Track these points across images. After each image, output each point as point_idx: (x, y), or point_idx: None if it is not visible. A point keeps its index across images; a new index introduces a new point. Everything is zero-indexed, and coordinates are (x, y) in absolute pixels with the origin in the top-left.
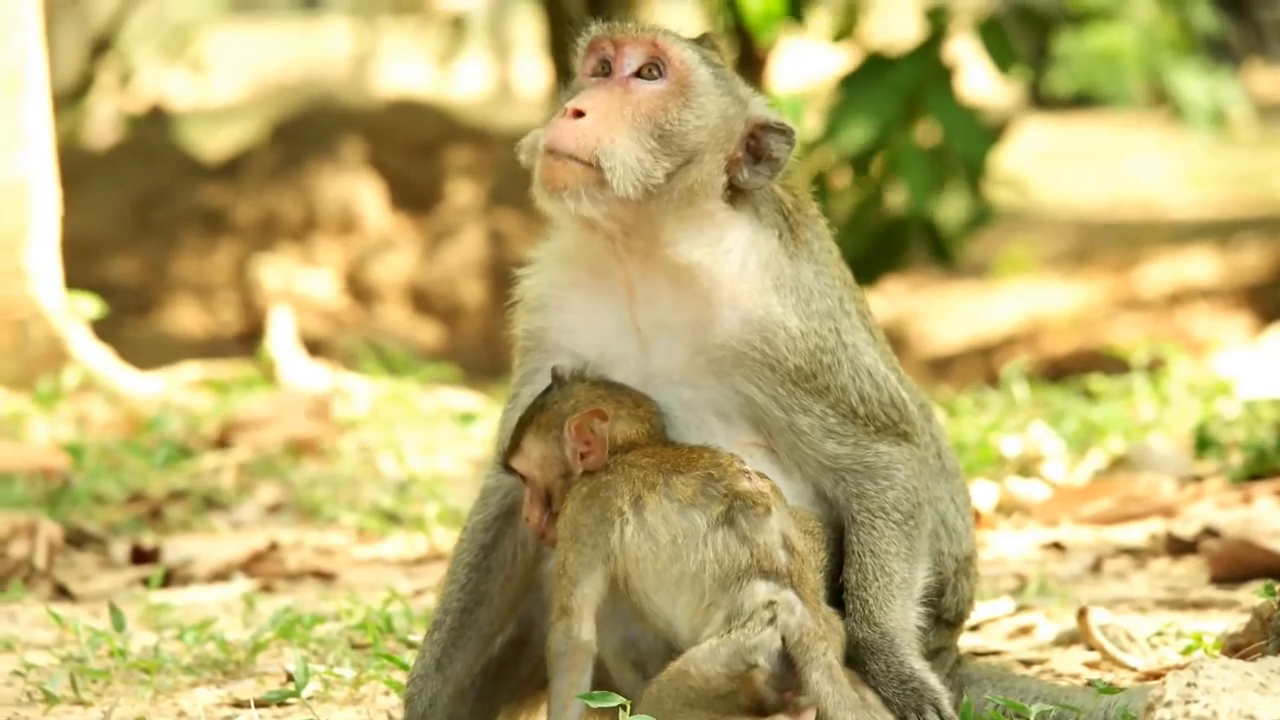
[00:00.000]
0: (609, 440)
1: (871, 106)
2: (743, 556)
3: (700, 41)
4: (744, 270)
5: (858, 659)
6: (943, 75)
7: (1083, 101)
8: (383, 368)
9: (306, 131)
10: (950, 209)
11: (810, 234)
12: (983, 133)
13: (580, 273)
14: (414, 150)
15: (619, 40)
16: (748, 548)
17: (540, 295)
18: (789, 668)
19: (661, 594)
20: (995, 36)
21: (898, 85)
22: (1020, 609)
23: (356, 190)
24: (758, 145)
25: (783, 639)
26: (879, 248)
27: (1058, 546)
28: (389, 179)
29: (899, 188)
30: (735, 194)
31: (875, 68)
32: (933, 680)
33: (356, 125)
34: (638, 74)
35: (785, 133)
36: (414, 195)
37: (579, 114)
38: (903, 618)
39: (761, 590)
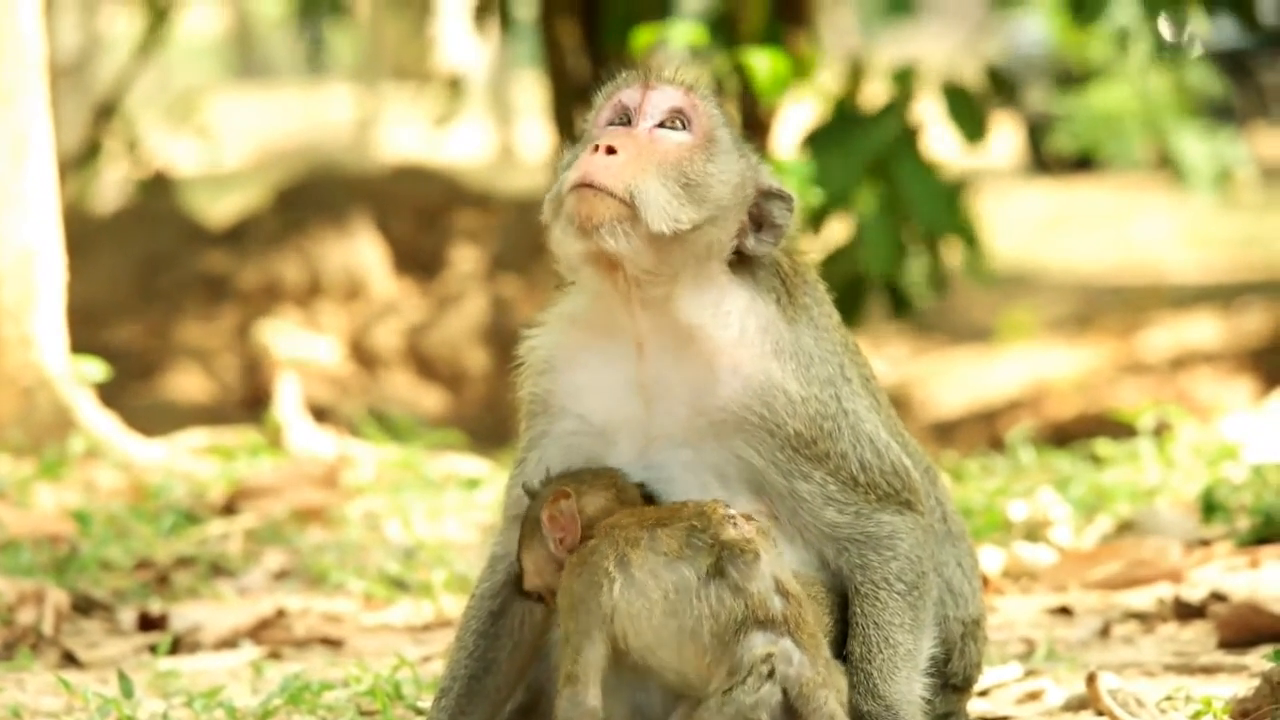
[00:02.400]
0: (578, 514)
1: (838, 165)
2: (737, 608)
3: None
4: (744, 335)
5: None
6: (908, 137)
7: (1085, 165)
8: (388, 434)
9: (310, 197)
10: (914, 272)
11: (809, 299)
12: (946, 196)
13: (589, 333)
14: (418, 215)
15: (650, 86)
16: (741, 598)
17: (547, 357)
18: (792, 718)
19: (665, 650)
20: (961, 104)
21: (862, 145)
22: (1029, 674)
23: (361, 255)
24: (760, 212)
25: (784, 691)
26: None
27: (1065, 611)
28: (393, 244)
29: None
30: (737, 260)
31: (845, 127)
32: None
33: (360, 190)
34: (661, 124)
35: (786, 199)
36: (418, 260)
37: (611, 151)
38: (907, 689)
39: (759, 642)
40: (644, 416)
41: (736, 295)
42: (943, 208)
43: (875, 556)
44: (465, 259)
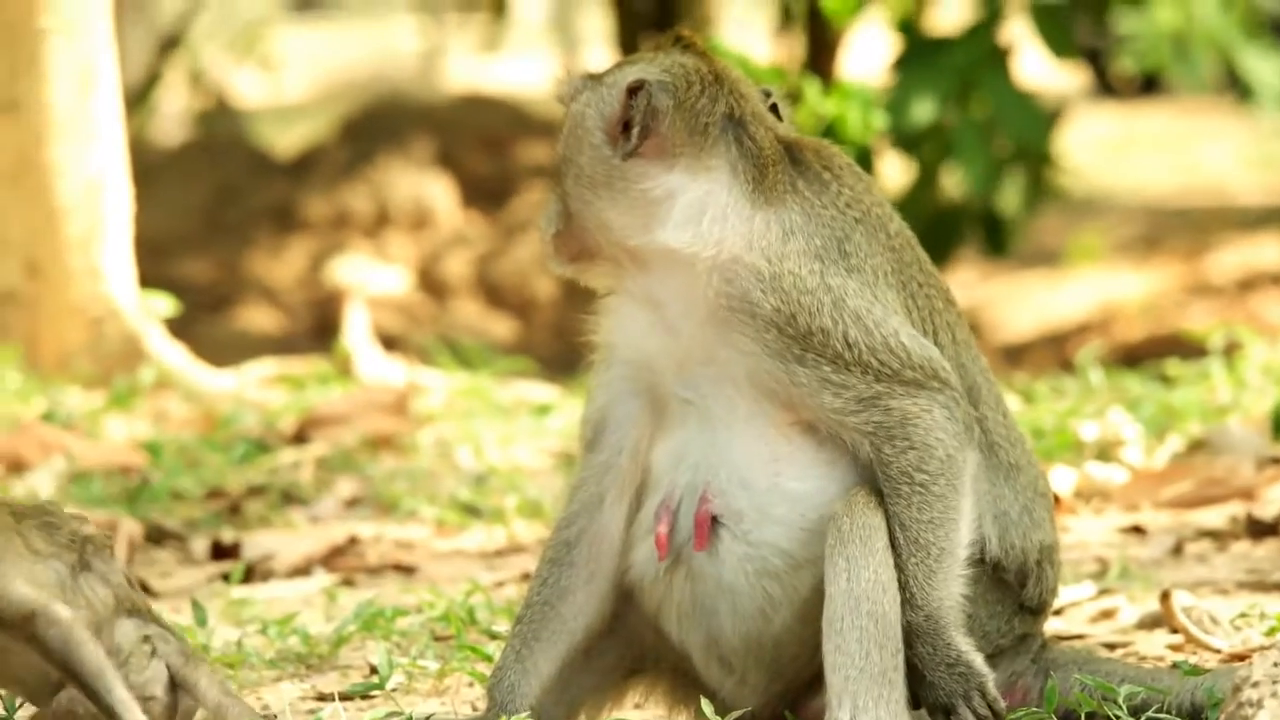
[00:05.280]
0: None
1: (924, 89)
2: (110, 598)
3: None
4: (701, 231)
5: (906, 640)
6: (997, 58)
7: (1150, 88)
8: (458, 362)
9: (377, 128)
10: (1007, 195)
11: (803, 178)
12: (1038, 116)
13: (623, 294)
14: (484, 145)
15: None
16: (109, 589)
17: (604, 315)
18: (174, 692)
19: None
20: (1050, 21)
21: (950, 68)
22: (1102, 593)
23: (428, 185)
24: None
25: (168, 666)
26: (932, 235)
27: (1138, 530)
28: (460, 174)
29: (953, 172)
30: (690, 155)
31: (928, 51)
32: (979, 662)
33: (426, 121)
34: None
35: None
36: (485, 189)
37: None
38: (945, 593)
39: (130, 627)
40: (673, 346)
41: (686, 199)
42: (1034, 128)
43: (889, 448)
44: (533, 188)
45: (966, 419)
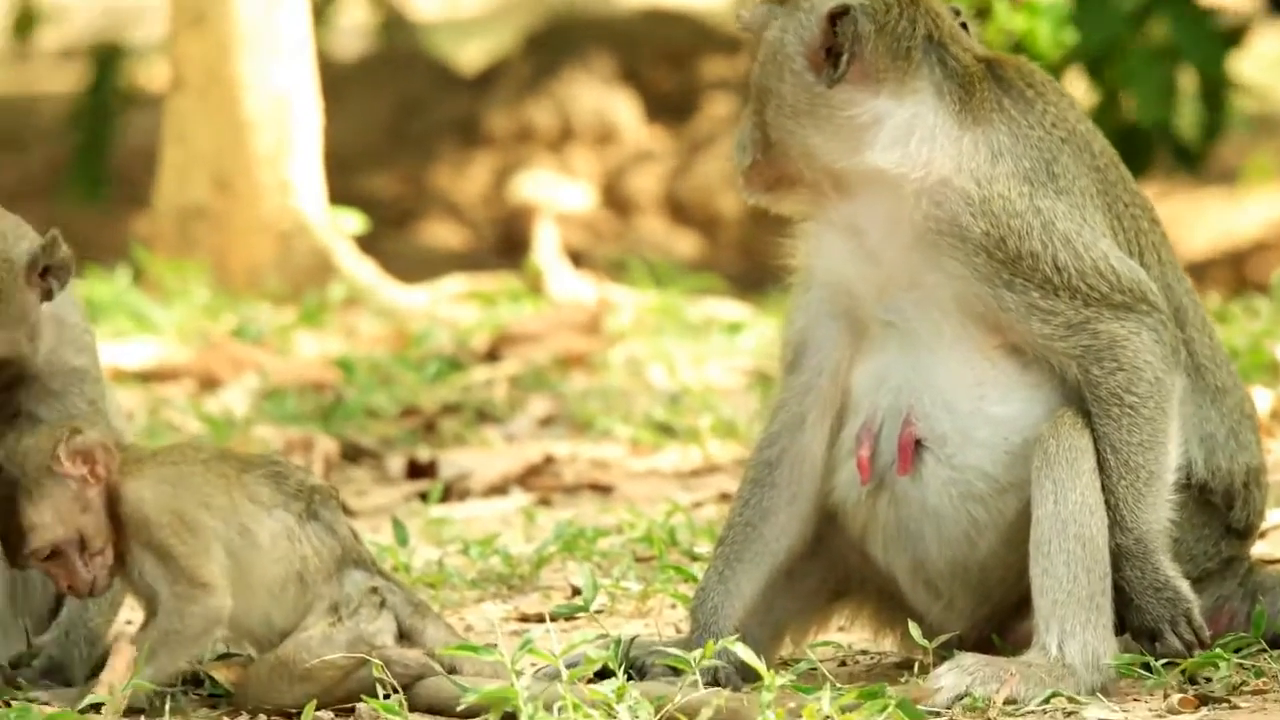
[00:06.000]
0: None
1: (1104, 9)
2: (337, 548)
3: None
4: (909, 153)
5: (1113, 564)
6: None
7: None
8: (648, 278)
9: (559, 42)
10: (1187, 117)
11: (1009, 98)
12: (1216, 38)
13: (821, 220)
14: (667, 60)
15: None
16: (336, 540)
17: (803, 238)
18: (401, 642)
19: (263, 593)
20: None
21: None
22: None
23: (611, 100)
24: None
25: (396, 618)
26: (1120, 153)
27: None
28: (643, 89)
29: (1131, 95)
30: (896, 79)
31: None
32: (1185, 587)
33: (607, 35)
34: None
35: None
36: (669, 105)
37: None
38: (1153, 516)
39: (360, 577)
40: (874, 272)
41: (894, 122)
42: (1212, 50)
43: (1098, 370)
44: (717, 103)
45: (1174, 341)
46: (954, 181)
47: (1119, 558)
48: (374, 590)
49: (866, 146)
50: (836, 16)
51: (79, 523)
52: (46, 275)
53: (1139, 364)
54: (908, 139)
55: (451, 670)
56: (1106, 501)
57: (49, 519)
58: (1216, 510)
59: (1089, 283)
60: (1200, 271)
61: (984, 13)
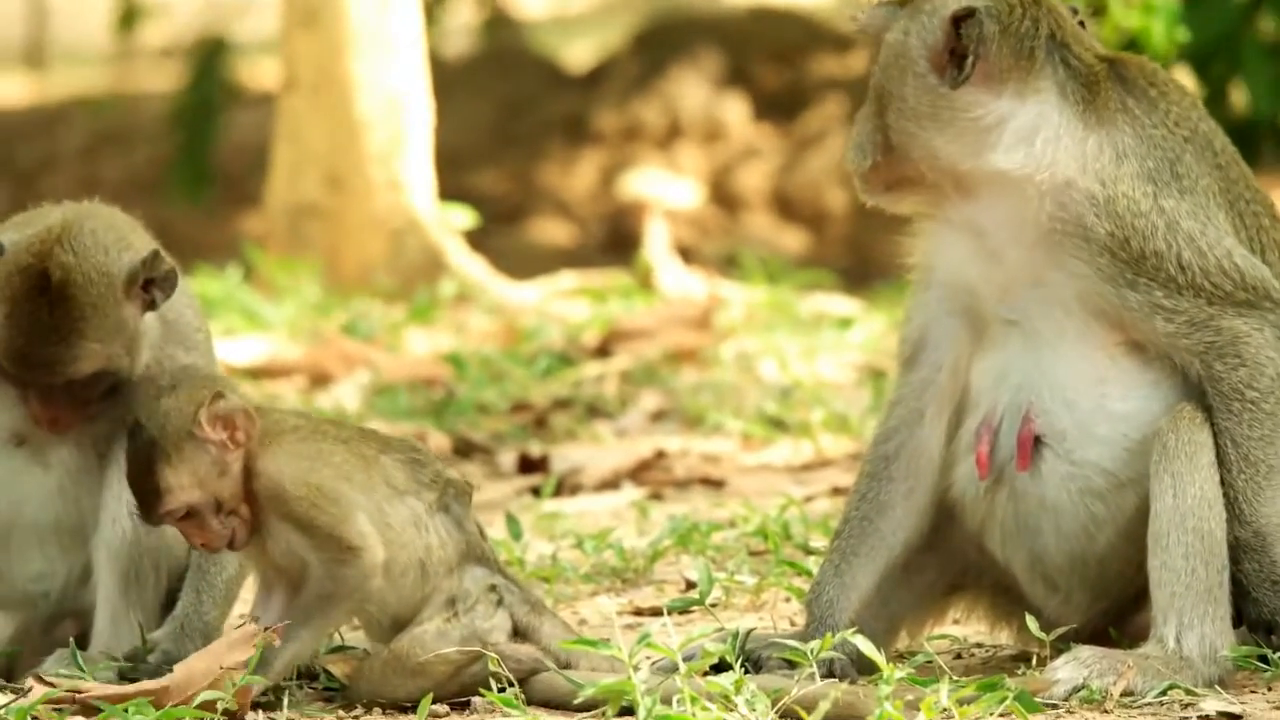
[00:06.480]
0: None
1: (1215, 5)
2: (462, 543)
3: None
4: (1033, 154)
5: (1231, 557)
6: None
7: None
8: (759, 273)
9: (667, 41)
10: None
11: (1132, 98)
12: None
13: (941, 220)
14: (775, 58)
15: None
16: (463, 535)
17: (922, 237)
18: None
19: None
20: None
21: None
22: None
23: (719, 98)
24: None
25: (512, 616)
26: None
27: None
28: (750, 87)
29: (1240, 89)
30: (1018, 79)
31: None
32: None
33: (715, 34)
34: None
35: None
36: (776, 103)
37: None
38: (1272, 510)
39: (480, 574)
40: (996, 271)
41: (1018, 123)
42: None
43: (1220, 365)
44: (824, 101)
45: None
46: (1079, 183)
47: (1237, 551)
48: (492, 588)
49: (990, 148)
50: (961, 19)
51: (215, 487)
52: (149, 288)
53: (1261, 360)
54: (1032, 140)
55: (565, 666)
56: (1225, 495)
57: (186, 481)
58: None
59: (1213, 281)
60: None
61: (1099, 11)
